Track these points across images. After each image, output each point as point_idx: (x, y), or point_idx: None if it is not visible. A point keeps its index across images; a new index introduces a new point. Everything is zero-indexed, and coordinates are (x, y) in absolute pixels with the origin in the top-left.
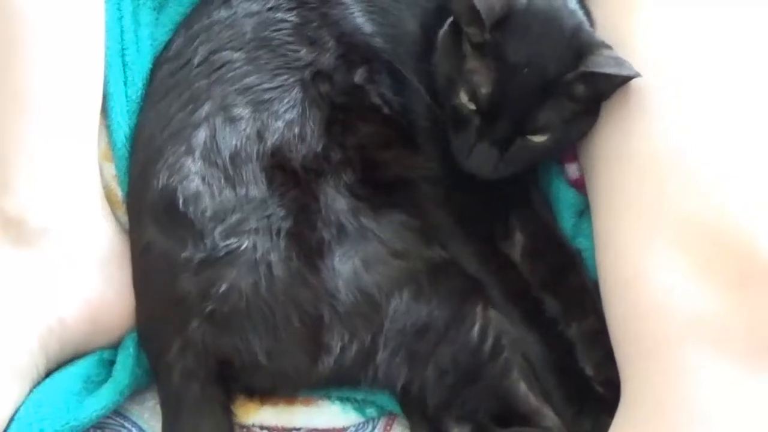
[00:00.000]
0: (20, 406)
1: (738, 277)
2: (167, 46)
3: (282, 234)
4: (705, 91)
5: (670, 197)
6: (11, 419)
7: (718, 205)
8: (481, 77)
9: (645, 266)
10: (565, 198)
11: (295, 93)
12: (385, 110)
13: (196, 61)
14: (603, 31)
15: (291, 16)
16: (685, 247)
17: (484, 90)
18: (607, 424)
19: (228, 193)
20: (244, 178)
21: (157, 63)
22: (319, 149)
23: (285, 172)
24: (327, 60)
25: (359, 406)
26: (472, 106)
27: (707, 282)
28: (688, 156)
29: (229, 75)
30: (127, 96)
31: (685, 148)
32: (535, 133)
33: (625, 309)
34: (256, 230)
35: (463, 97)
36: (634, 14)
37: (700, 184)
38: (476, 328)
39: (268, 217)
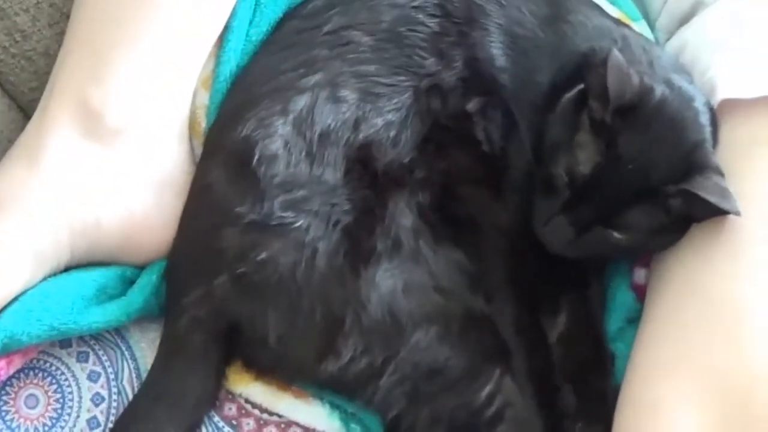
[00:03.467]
0: (28, 290)
1: None
2: (304, 2)
3: (339, 227)
4: None
5: (716, 347)
6: (14, 300)
7: (757, 374)
8: (586, 156)
9: (668, 403)
10: (621, 299)
11: (406, 98)
12: (485, 147)
13: (326, 29)
14: (724, 159)
15: (432, 22)
16: (712, 400)
17: (583, 169)
18: None
19: (304, 167)
20: (325, 159)
21: (289, 15)
22: (406, 160)
23: (365, 170)
24: (449, 78)
25: (346, 418)
26: (566, 179)
27: None
28: (749, 315)
29: (351, 55)
30: (248, 35)
31: (750, 308)
32: (617, 228)
33: None
34: (316, 213)
35: (561, 168)
36: (761, 157)
37: (749, 348)
38: (486, 391)
39: (333, 205)
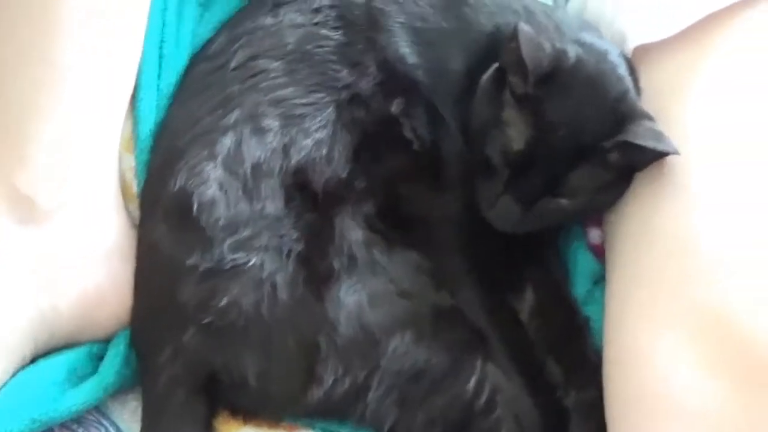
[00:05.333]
0: (1, 387)
1: (741, 376)
2: (207, 44)
3: (292, 256)
4: (741, 180)
5: (685, 282)
6: None
7: (727, 297)
8: (516, 131)
9: (650, 349)
10: (582, 263)
11: (329, 113)
12: (416, 145)
13: (233, 64)
14: (649, 104)
15: (336, 35)
16: (693, 336)
17: (516, 146)
18: None
19: (244, 205)
20: (263, 192)
21: (195, 60)
22: (344, 175)
23: (305, 193)
24: (366, 85)
25: None
26: (502, 158)
27: (709, 375)
28: (709, 243)
29: (264, 84)
30: (158, 89)
31: (708, 235)
32: (562, 195)
33: (623, 388)
34: (266, 248)
35: (495, 148)
36: (684, 94)
37: (715, 273)
38: (473, 381)
39: (281, 236)
